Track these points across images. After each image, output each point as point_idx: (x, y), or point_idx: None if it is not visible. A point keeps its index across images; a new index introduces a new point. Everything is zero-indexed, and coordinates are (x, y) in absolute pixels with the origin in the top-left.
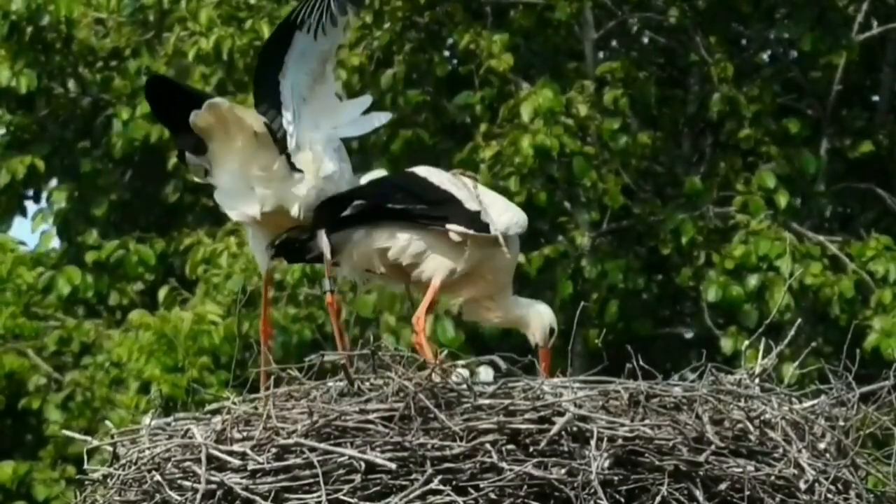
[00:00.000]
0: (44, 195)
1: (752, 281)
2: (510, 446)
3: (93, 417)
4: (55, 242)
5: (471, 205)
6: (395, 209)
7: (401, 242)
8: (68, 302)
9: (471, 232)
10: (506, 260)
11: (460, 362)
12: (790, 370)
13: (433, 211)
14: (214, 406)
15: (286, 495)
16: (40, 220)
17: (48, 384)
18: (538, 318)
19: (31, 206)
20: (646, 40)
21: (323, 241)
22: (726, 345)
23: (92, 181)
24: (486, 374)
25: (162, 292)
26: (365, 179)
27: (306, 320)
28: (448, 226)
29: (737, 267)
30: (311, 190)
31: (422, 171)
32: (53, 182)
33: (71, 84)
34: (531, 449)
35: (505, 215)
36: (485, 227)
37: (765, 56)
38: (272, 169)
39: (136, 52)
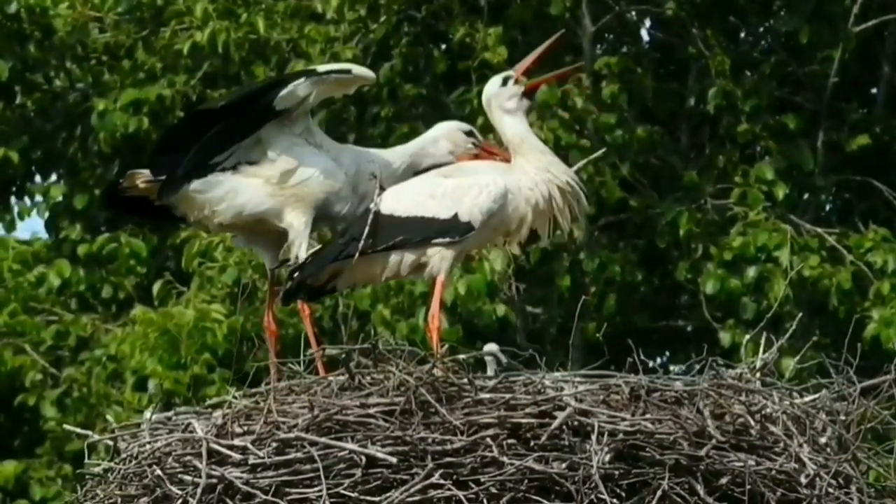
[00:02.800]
0: (39, 185)
1: (751, 272)
2: (511, 440)
3: (90, 413)
4: (41, 230)
5: (446, 212)
6: (377, 251)
7: (394, 260)
8: (61, 295)
9: (457, 239)
10: (503, 214)
11: (461, 356)
12: (790, 364)
13: (413, 239)
14: (215, 400)
15: (287, 489)
16: (43, 208)
17: (45, 380)
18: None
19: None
20: (645, 36)
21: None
22: (724, 338)
23: (77, 175)
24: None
25: (156, 286)
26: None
27: None
28: (433, 242)
29: (735, 258)
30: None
31: (389, 199)
32: (37, 175)
33: (58, 78)
34: (532, 443)
35: (479, 199)
36: (467, 227)
37: (763, 48)
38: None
39: (130, 51)
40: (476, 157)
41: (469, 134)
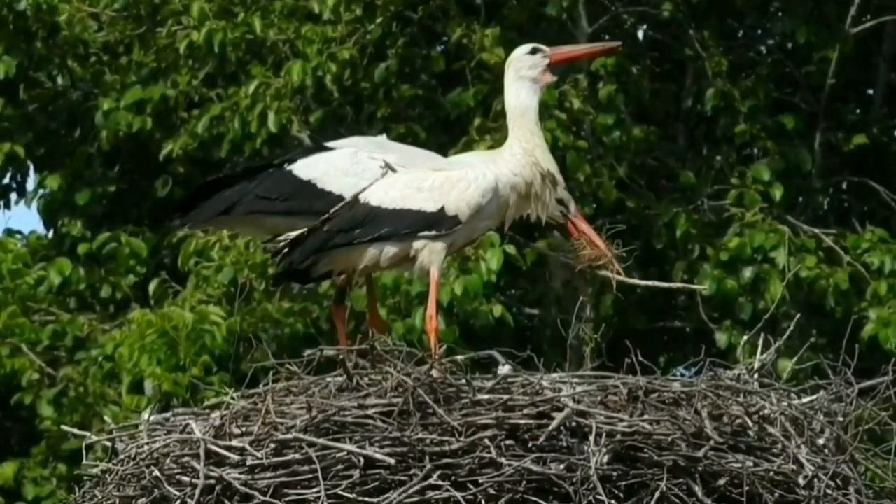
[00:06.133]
0: (34, 179)
1: (747, 273)
2: (509, 441)
3: (86, 413)
4: (38, 224)
5: (432, 205)
6: (363, 242)
7: (373, 251)
8: (60, 294)
9: (444, 233)
10: (493, 206)
11: (459, 357)
12: (788, 365)
13: (399, 231)
14: (213, 401)
15: (285, 490)
16: (31, 198)
17: (41, 379)
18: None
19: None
20: (640, 35)
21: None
22: (721, 339)
23: (78, 172)
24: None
25: (152, 285)
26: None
27: (300, 314)
28: (419, 235)
29: (731, 259)
30: None
31: (378, 192)
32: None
33: (61, 76)
34: (530, 444)
35: (466, 193)
36: (453, 221)
37: (760, 49)
38: None
39: (128, 48)
40: (560, 225)
41: (560, 202)
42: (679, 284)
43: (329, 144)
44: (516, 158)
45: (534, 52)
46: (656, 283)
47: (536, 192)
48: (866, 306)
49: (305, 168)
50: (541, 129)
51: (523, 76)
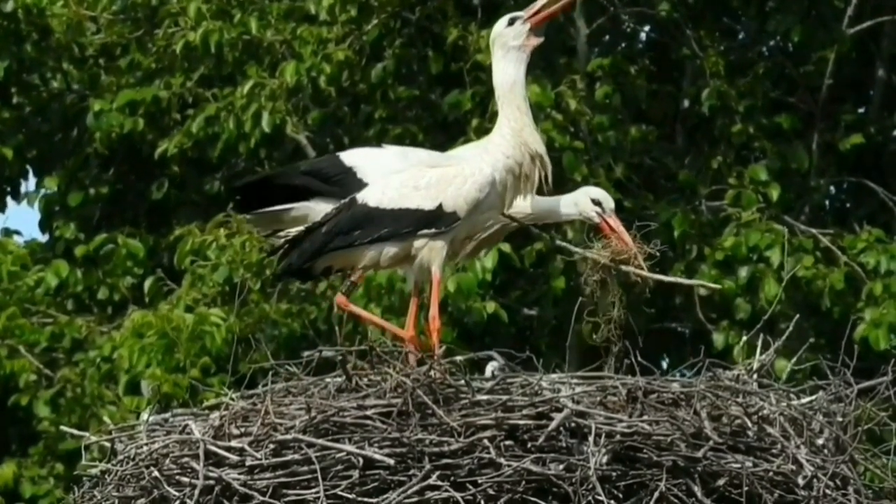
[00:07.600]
0: (32, 181)
1: (743, 273)
2: (508, 442)
3: (83, 414)
4: (36, 230)
5: (430, 203)
6: (363, 243)
7: (373, 253)
8: (57, 296)
9: (443, 230)
10: (492, 198)
11: (458, 357)
12: (786, 366)
13: (399, 230)
14: (212, 402)
15: (284, 491)
16: (34, 198)
17: (38, 381)
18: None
19: (17, 197)
20: (642, 35)
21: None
22: (718, 339)
23: (74, 174)
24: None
25: (147, 283)
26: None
27: (297, 315)
28: (418, 234)
29: (727, 258)
30: None
31: (375, 192)
32: (30, 173)
33: (55, 79)
34: (529, 445)
35: (463, 189)
36: (452, 218)
37: (757, 50)
38: None
39: (125, 50)
40: (597, 227)
41: (596, 203)
42: (699, 282)
43: (384, 146)
44: (507, 140)
45: (512, 22)
46: (677, 280)
47: (526, 174)
48: (862, 306)
49: (351, 156)
50: (528, 104)
51: (511, 47)
